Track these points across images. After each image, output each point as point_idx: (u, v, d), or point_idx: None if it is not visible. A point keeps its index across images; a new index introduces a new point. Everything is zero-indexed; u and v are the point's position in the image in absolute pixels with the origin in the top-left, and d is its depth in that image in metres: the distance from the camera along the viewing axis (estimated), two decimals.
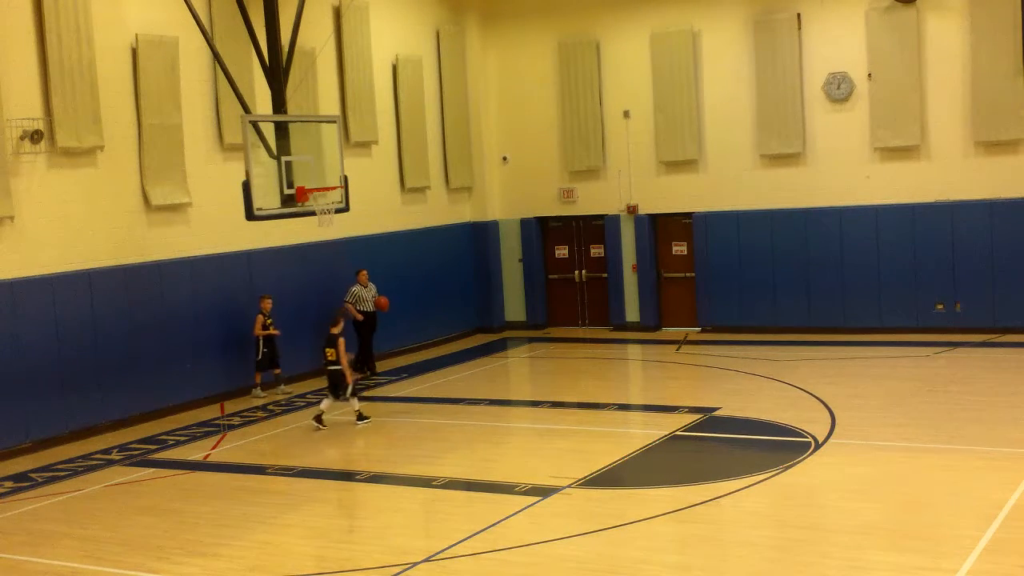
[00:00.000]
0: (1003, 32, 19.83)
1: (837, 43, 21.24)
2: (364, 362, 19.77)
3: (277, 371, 18.65)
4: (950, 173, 20.50)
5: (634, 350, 21.76)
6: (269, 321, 18.30)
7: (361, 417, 16.08)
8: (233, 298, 18.39)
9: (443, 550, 10.54)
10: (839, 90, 21.29)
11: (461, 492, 12.43)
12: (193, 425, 16.79)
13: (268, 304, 18.27)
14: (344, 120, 20.37)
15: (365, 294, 19.81)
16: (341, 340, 15.93)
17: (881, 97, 20.91)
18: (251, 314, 18.33)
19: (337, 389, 16.02)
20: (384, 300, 19.83)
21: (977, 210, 20.31)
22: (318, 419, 16.00)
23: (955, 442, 13.42)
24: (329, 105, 20.26)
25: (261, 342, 18.29)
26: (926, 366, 18.21)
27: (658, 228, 23.29)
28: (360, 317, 19.64)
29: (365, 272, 19.96)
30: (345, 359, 15.87)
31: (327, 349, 15.99)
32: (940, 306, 20.55)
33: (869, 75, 20.99)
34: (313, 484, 13.35)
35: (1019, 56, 19.74)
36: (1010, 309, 20.08)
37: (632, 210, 23.26)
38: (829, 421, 14.65)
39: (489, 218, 24.33)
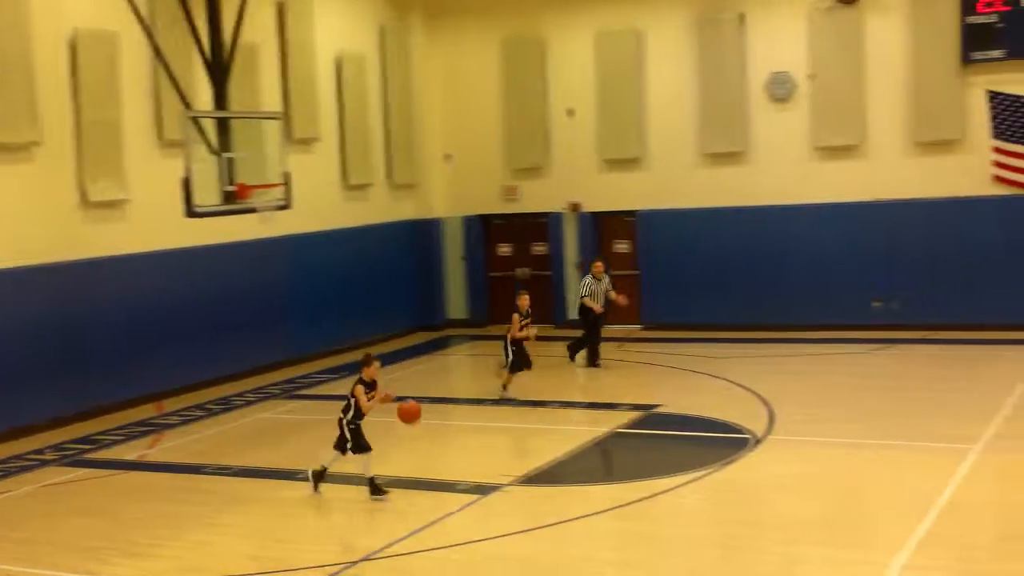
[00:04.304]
0: (942, 33, 20.10)
1: (780, 43, 21.42)
2: (591, 359, 19.12)
3: None
4: (890, 172, 20.74)
5: None
6: None
7: (377, 490, 12.18)
8: (171, 296, 18.17)
9: (382, 548, 10.48)
10: (781, 90, 21.46)
11: (401, 490, 12.37)
12: (129, 424, 16.55)
13: None
14: (287, 116, 20.16)
15: (598, 288, 19.08)
16: (359, 388, 12.17)
17: (823, 97, 21.11)
18: (189, 311, 18.13)
19: (345, 443, 12.32)
20: (624, 298, 19.14)
21: (915, 209, 20.56)
22: (318, 477, 12.49)
23: (892, 437, 13.58)
24: (271, 101, 20.07)
25: None
26: (864, 363, 18.41)
27: (601, 226, 23.35)
28: (599, 309, 19.02)
29: (601, 263, 19.35)
30: (366, 410, 12.24)
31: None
32: (878, 303, 20.78)
33: (811, 75, 21.18)
34: (251, 484, 13.21)
35: (958, 57, 20.03)
36: (947, 306, 20.34)
37: (575, 208, 23.30)
38: (768, 418, 14.75)
39: (432, 216, 24.25)
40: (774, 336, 20.84)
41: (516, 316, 16.97)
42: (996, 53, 19.79)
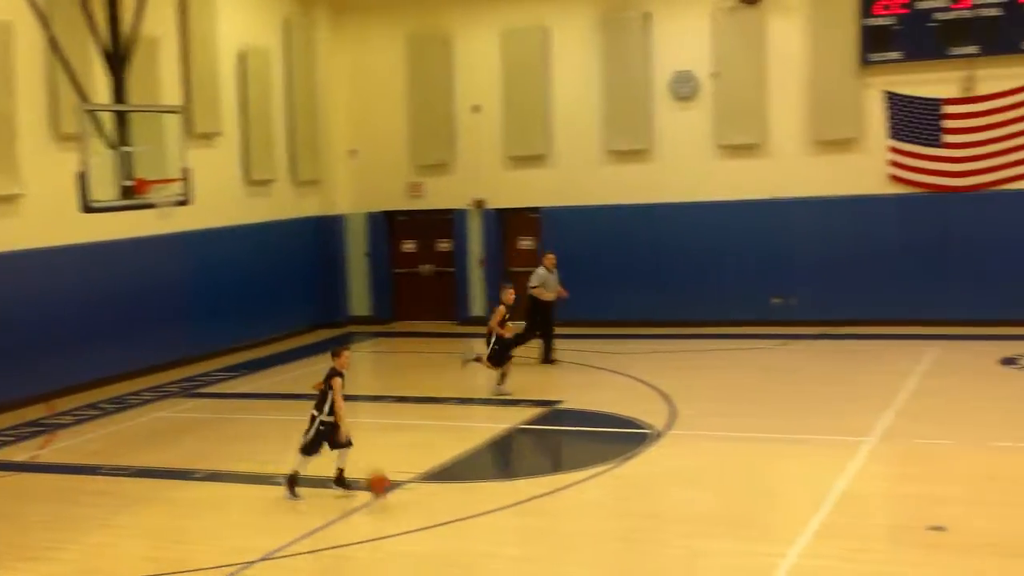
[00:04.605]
0: (841, 35, 20.49)
1: (684, 42, 21.65)
2: (545, 355, 18.67)
3: None
4: (790, 170, 21.09)
5: (480, 344, 21.72)
6: None
7: (342, 482, 11.91)
8: (65, 293, 17.73)
9: (281, 548, 10.34)
10: (685, 88, 21.68)
11: (301, 489, 12.21)
12: (20, 425, 16.11)
13: None
14: (187, 111, 19.78)
15: (552, 280, 18.68)
16: (337, 380, 11.78)
17: (725, 96, 21.38)
18: (85, 308, 17.73)
19: (317, 445, 11.86)
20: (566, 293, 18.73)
21: (814, 207, 20.93)
22: (292, 484, 11.92)
23: (790, 431, 13.79)
24: (172, 95, 19.69)
25: None
26: (764, 358, 18.69)
27: (506, 223, 23.37)
28: (551, 297, 18.61)
29: (553, 256, 18.99)
30: (341, 407, 11.76)
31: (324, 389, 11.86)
32: (778, 300, 21.08)
33: (714, 74, 21.43)
34: (148, 484, 12.93)
35: (856, 58, 20.42)
36: (844, 302, 20.74)
37: (480, 204, 23.29)
38: (670, 413, 14.88)
39: (336, 212, 24.05)
40: (676, 332, 21.04)
41: (501, 308, 16.72)
42: (893, 55, 20.23)
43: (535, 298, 18.68)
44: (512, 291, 17.15)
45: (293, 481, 11.86)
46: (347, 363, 12.07)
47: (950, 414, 14.26)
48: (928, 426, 13.62)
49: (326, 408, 11.77)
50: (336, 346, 12.37)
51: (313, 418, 11.85)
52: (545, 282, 18.61)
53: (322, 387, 11.86)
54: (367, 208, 24.18)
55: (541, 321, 18.77)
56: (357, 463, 13.45)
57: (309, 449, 11.84)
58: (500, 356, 16.53)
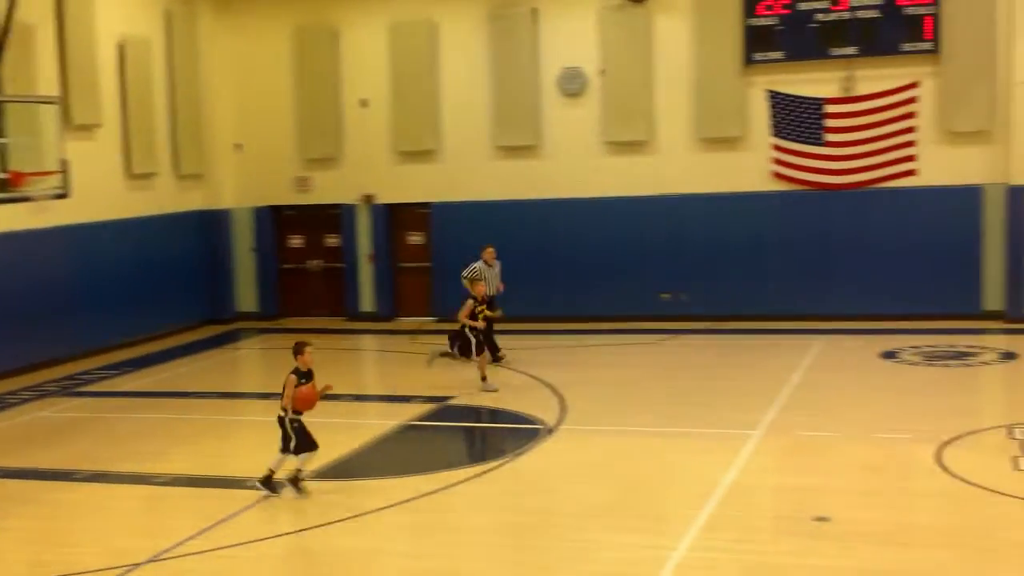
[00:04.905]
0: (725, 35, 20.79)
1: (571, 39, 21.75)
2: (492, 353, 17.58)
3: None
4: (676, 167, 21.34)
5: (369, 340, 21.67)
6: None
7: (297, 484, 11.54)
8: None
9: (168, 549, 10.13)
10: (573, 85, 21.80)
11: (188, 489, 12.01)
12: None
13: None
14: (65, 101, 19.23)
15: (490, 274, 17.93)
16: (291, 378, 11.47)
17: (612, 93, 21.55)
18: None
19: (289, 442, 11.59)
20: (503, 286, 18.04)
21: (701, 203, 21.21)
22: (268, 483, 11.59)
23: (679, 425, 13.98)
24: (49, 85, 19.11)
25: None
26: (653, 353, 18.90)
27: (395, 218, 23.23)
28: (483, 291, 17.36)
29: (492, 248, 18.20)
30: (289, 402, 11.51)
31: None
32: (666, 296, 21.33)
33: (601, 71, 21.59)
34: (29, 486, 12.55)
35: (740, 58, 20.75)
36: (730, 297, 21.07)
37: (369, 200, 23.12)
38: (560, 407, 14.95)
39: (221, 206, 23.62)
40: (566, 327, 21.17)
41: (471, 302, 16.26)
42: (776, 55, 20.61)
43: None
44: (483, 284, 16.74)
45: (268, 482, 11.51)
46: (309, 361, 11.55)
47: (833, 407, 14.58)
48: (812, 419, 13.90)
49: (291, 410, 11.45)
50: (297, 343, 11.70)
51: (280, 419, 11.53)
52: (483, 276, 17.93)
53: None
54: (253, 202, 23.81)
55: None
56: (246, 461, 13.29)
57: (299, 448, 11.47)
58: (471, 347, 16.09)
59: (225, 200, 23.71)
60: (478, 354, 16.10)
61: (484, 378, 16.13)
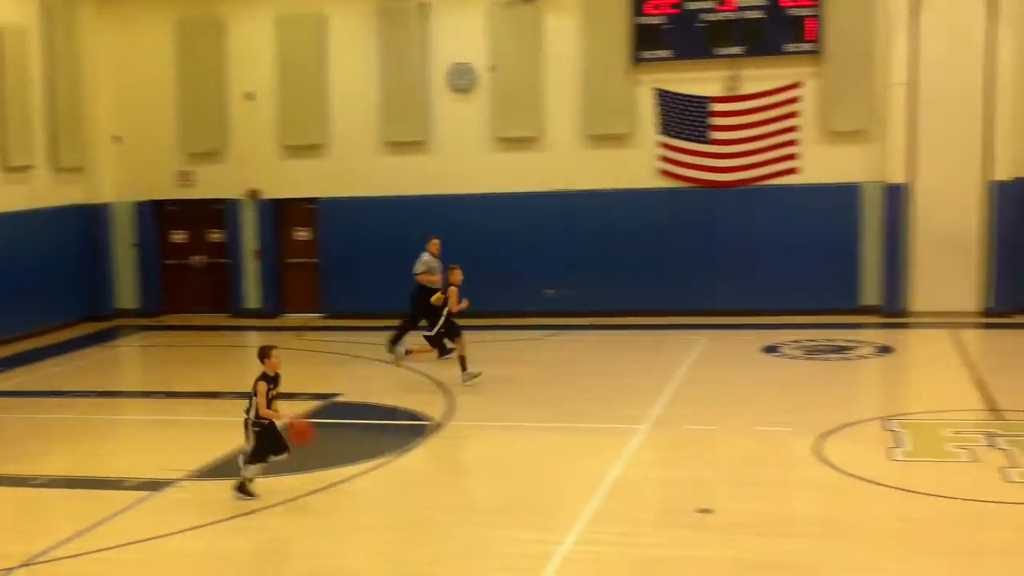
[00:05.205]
0: (614, 33, 20.94)
1: (461, 35, 21.70)
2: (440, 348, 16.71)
3: None
4: (565, 164, 21.43)
5: (254, 337, 21.32)
6: None
7: (243, 490, 11.14)
8: None
9: (42, 552, 9.83)
10: (463, 80, 21.75)
11: (64, 490, 11.67)
12: None
13: None
14: None
15: (436, 266, 17.41)
16: (261, 386, 10.91)
17: (502, 89, 21.56)
18: None
19: (261, 450, 11.11)
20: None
21: (590, 199, 21.33)
22: (243, 489, 11.17)
23: (566, 420, 14.04)
24: None
25: None
26: (541, 349, 18.96)
27: (281, 213, 22.91)
28: (437, 279, 17.28)
29: (437, 240, 17.64)
30: (266, 413, 10.92)
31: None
32: (551, 292, 21.36)
33: (491, 67, 21.58)
34: None
35: (628, 56, 20.92)
36: (618, 293, 21.23)
37: (254, 194, 22.76)
38: (448, 404, 14.90)
39: (101, 200, 23.03)
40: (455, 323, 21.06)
41: (453, 289, 15.89)
42: (663, 53, 20.82)
43: (423, 286, 17.56)
44: (459, 271, 16.26)
45: (243, 488, 11.08)
46: (277, 365, 11.00)
47: (717, 401, 14.77)
48: (697, 413, 14.07)
49: (252, 413, 10.93)
50: (263, 346, 11.16)
51: (245, 421, 11.04)
52: (431, 268, 17.66)
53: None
54: (134, 197, 23.27)
55: (427, 312, 17.37)
56: (125, 461, 12.98)
57: (253, 457, 10.98)
58: (438, 339, 15.91)
59: (105, 194, 23.12)
60: (437, 345, 15.96)
61: (464, 369, 15.90)
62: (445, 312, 16.01)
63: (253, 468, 11.08)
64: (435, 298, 16.12)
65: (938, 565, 9.16)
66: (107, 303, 23.17)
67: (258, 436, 10.99)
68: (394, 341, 17.59)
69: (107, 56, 23.01)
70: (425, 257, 17.69)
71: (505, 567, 9.43)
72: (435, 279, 17.29)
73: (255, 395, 10.89)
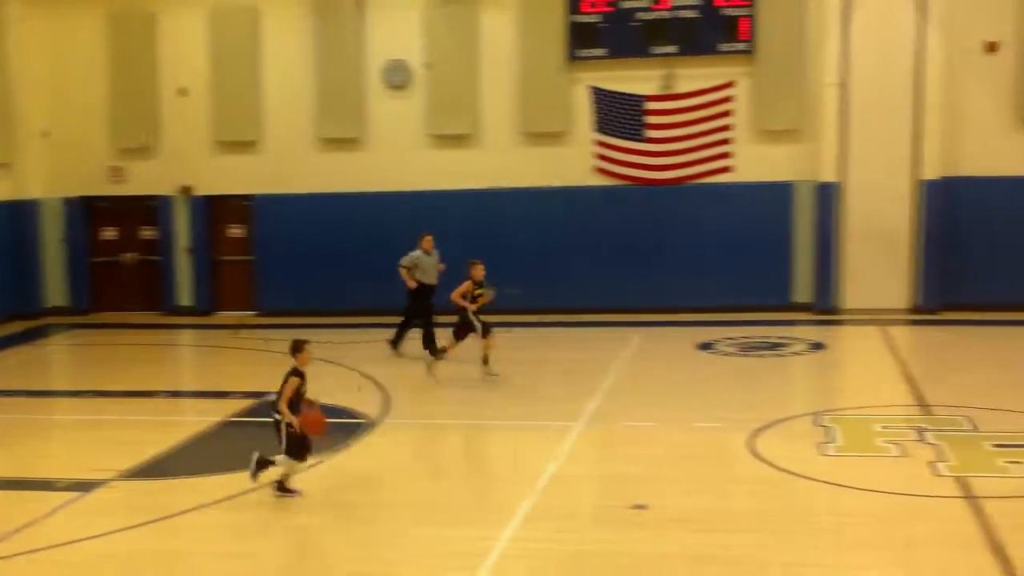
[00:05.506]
0: (550, 31, 21.01)
1: (397, 31, 21.64)
2: (430, 347, 16.88)
3: None
4: (501, 161, 21.45)
5: (187, 335, 21.10)
6: None
7: (283, 488, 11.00)
8: None
9: None
10: (398, 77, 21.66)
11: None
12: None
13: None
14: None
15: (428, 262, 17.28)
16: (294, 380, 10.68)
17: (438, 86, 21.52)
18: None
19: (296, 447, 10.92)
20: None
21: (526, 197, 21.37)
22: (283, 487, 11.04)
23: (503, 418, 14.03)
24: None
25: None
26: (477, 346, 18.85)
27: (215, 210, 22.67)
28: (414, 285, 17.24)
29: (431, 236, 17.40)
30: (285, 405, 10.70)
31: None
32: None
33: (427, 64, 21.51)
34: None
35: (564, 54, 20.97)
36: (554, 290, 21.26)
37: (187, 191, 22.50)
38: (384, 402, 14.84)
39: (28, 196, 22.64)
40: (389, 321, 20.92)
41: (469, 284, 15.73)
42: (599, 51, 20.91)
43: (420, 285, 17.50)
44: (481, 266, 16.10)
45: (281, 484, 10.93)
46: (308, 360, 10.80)
47: (652, 397, 14.86)
48: (632, 409, 14.14)
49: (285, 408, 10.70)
50: (296, 340, 10.84)
51: (276, 422, 10.80)
52: (421, 264, 17.48)
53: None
54: (63, 193, 22.90)
55: (422, 310, 17.67)
56: (55, 461, 12.76)
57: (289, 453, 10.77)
58: (467, 331, 15.81)
59: (33, 190, 22.73)
60: (484, 336, 15.82)
61: (485, 363, 15.83)
62: (475, 308, 15.84)
63: (281, 458, 10.82)
64: (481, 300, 15.93)
65: (870, 557, 9.28)
66: (36, 301, 22.79)
67: (290, 435, 10.75)
68: (395, 342, 17.82)
69: (36, 50, 22.61)
70: (415, 253, 17.58)
71: (440, 565, 9.39)
72: (429, 278, 17.28)
73: (283, 389, 10.65)
